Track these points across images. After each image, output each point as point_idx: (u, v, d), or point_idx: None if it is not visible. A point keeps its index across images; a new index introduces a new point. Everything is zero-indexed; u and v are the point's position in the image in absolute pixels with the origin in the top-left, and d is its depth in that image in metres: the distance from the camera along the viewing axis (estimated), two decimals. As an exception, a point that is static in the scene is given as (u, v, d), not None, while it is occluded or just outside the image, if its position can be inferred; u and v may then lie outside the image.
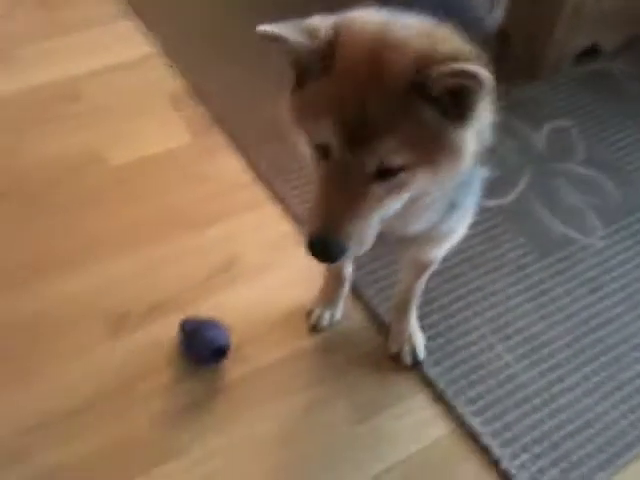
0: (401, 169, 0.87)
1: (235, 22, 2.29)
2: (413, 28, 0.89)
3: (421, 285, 1.41)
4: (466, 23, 0.96)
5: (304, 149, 0.96)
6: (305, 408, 1.42)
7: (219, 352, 1.41)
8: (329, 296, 1.52)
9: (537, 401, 1.42)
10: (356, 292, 1.58)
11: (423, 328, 1.51)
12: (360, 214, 0.88)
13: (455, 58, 0.83)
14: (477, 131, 0.91)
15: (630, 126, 2.05)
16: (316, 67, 0.89)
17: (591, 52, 2.21)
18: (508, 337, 1.53)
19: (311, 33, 0.88)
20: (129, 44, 2.20)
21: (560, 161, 1.92)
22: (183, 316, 1.48)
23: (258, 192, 1.80)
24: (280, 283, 1.61)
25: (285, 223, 1.73)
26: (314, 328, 1.52)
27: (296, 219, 1.72)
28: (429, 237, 1.14)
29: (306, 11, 0.94)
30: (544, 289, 1.62)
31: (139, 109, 2.00)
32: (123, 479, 1.29)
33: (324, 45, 0.88)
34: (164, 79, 2.10)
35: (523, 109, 2.04)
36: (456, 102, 0.85)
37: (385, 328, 1.52)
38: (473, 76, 0.81)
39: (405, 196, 0.92)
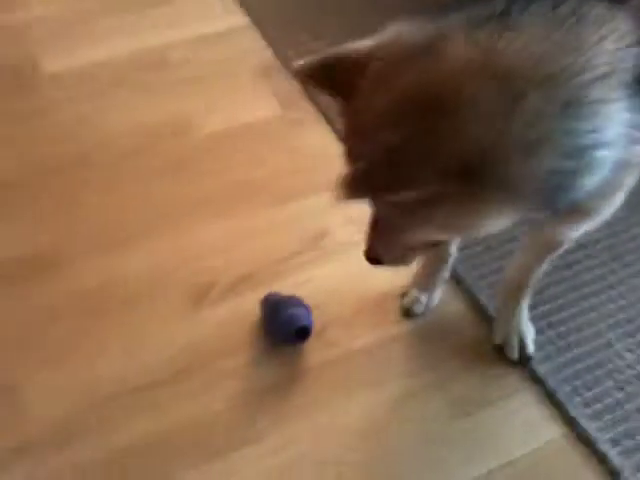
0: None
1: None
2: None
3: (541, 269, 1.23)
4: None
5: None
6: (395, 400, 1.28)
7: (302, 332, 1.28)
8: (426, 278, 1.37)
9: (665, 408, 1.24)
10: (456, 277, 1.42)
11: (532, 319, 1.34)
12: (384, 240, 0.95)
13: None
14: None
15: None
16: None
17: None
18: (630, 335, 1.34)
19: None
20: (219, 14, 2.11)
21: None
22: (266, 292, 1.37)
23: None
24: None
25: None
26: (408, 313, 1.37)
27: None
28: (575, 212, 0.91)
29: None
30: (674, 282, 1.42)
31: (228, 79, 1.91)
32: (199, 461, 1.18)
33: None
34: (254, 50, 2.00)
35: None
36: None
37: (487, 318, 1.37)
38: None
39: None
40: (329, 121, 1.78)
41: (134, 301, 1.41)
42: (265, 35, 2.04)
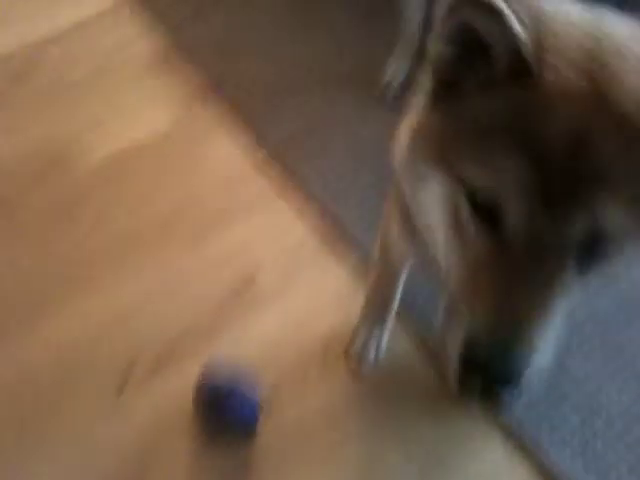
0: (607, 238, 0.58)
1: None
2: None
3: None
4: None
5: (426, 194, 0.65)
6: (356, 467, 1.17)
7: (247, 430, 1.15)
8: (374, 320, 1.23)
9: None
10: (403, 314, 1.28)
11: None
12: (550, 311, 0.60)
13: None
14: None
15: None
16: (494, 73, 0.59)
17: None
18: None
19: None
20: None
21: None
22: (198, 361, 1.20)
23: (270, 180, 1.47)
24: (310, 305, 1.31)
25: (307, 222, 1.41)
26: (356, 360, 1.24)
27: (322, 214, 1.40)
28: None
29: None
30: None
31: (113, 81, 1.64)
32: None
33: (529, 43, 0.57)
34: (135, 36, 1.71)
35: None
36: None
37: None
38: None
39: None
40: (242, 121, 1.54)
41: (46, 399, 1.23)
42: (146, 13, 1.73)
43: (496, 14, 0.56)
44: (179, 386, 1.22)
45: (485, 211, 0.60)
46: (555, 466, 1.13)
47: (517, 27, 0.57)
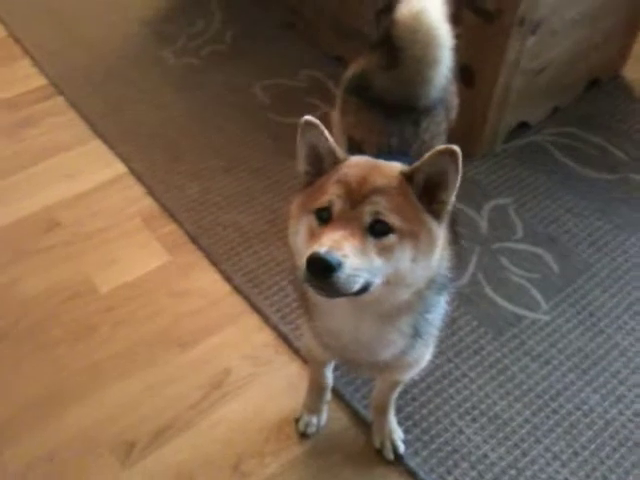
0: (390, 231, 1.06)
1: (195, 139, 2.49)
2: None
3: (395, 394, 1.60)
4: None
5: (298, 232, 1.15)
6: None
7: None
8: (314, 403, 1.70)
9: (506, 477, 1.63)
10: (337, 393, 1.77)
11: (400, 421, 1.70)
12: (356, 244, 1.04)
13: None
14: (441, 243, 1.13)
15: (561, 195, 2.29)
16: (326, 163, 1.16)
17: (520, 128, 2.45)
18: (474, 419, 1.73)
19: None
20: (96, 167, 2.37)
21: (502, 240, 2.14)
22: (185, 439, 1.65)
23: (236, 304, 1.97)
24: (269, 393, 1.78)
25: (265, 333, 1.90)
26: (304, 435, 1.70)
27: (274, 328, 1.91)
28: (397, 365, 1.33)
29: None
30: (500, 368, 1.83)
31: (116, 232, 2.17)
32: None
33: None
34: (136, 199, 2.27)
35: (463, 191, 2.24)
36: (431, 195, 1.11)
37: (367, 426, 1.71)
38: (449, 153, 1.07)
39: (391, 265, 1.07)
40: (214, 262, 2.07)
41: (68, 471, 1.63)
42: (143, 183, 2.31)
43: (320, 131, 1.13)
44: (174, 456, 1.66)
45: (323, 219, 1.10)
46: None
47: (330, 139, 1.15)
